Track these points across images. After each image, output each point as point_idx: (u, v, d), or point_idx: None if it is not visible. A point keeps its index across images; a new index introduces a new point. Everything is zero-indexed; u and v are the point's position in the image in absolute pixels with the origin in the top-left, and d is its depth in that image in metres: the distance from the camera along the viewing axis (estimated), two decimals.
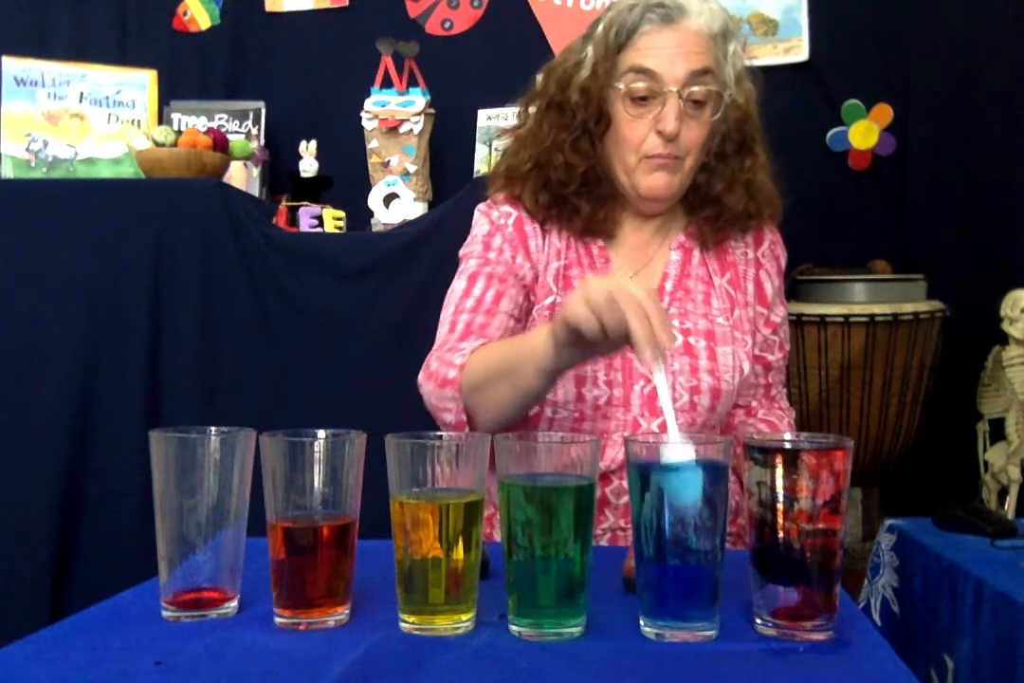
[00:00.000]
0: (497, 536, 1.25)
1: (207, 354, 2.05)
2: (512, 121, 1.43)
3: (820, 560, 0.81)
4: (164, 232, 2.05)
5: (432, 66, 2.30)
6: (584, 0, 2.43)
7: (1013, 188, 2.33)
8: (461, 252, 1.36)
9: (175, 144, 2.12)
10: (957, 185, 2.37)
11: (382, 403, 1.90)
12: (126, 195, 2.09)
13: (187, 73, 2.56)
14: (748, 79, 1.30)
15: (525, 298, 1.30)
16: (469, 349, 1.19)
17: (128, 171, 2.30)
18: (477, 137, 2.36)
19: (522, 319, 1.30)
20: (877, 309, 2.05)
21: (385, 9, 2.51)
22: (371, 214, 2.15)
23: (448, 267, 1.39)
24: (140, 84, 2.39)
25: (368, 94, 2.22)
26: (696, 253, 1.34)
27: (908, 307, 2.07)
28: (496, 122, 2.32)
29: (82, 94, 2.36)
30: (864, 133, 2.39)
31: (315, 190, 2.25)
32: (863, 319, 2.04)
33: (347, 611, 0.86)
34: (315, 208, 2.13)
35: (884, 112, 2.38)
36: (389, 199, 2.15)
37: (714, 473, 0.80)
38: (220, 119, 2.43)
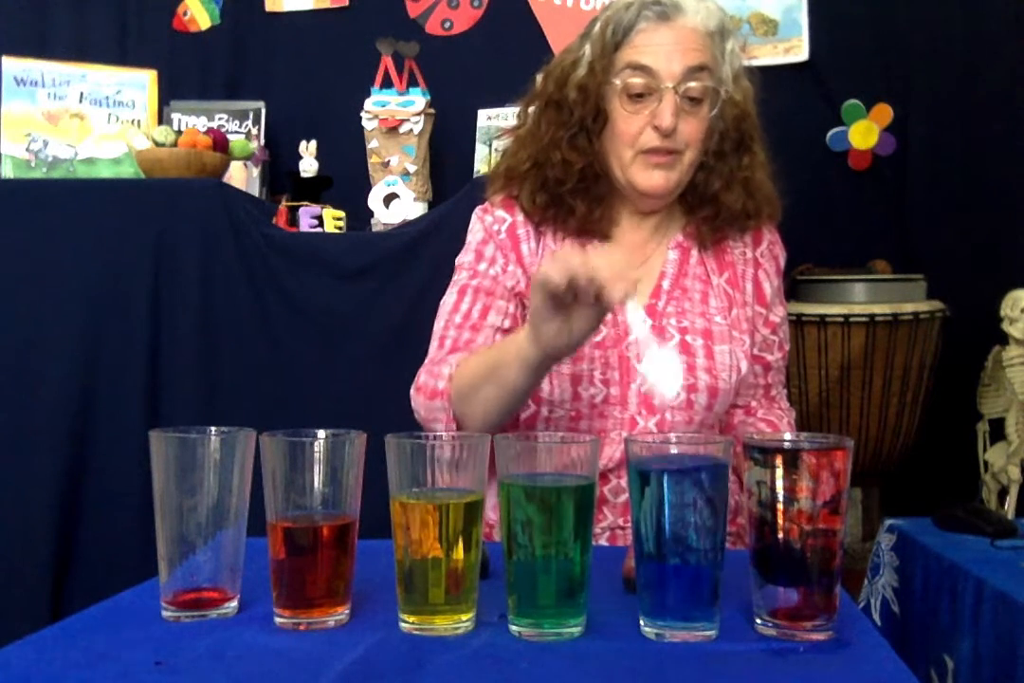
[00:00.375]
0: (497, 536, 1.26)
1: (207, 354, 2.05)
2: (512, 121, 1.43)
3: (820, 560, 0.81)
4: (164, 232, 2.05)
5: (432, 66, 2.30)
6: (584, 0, 2.43)
7: (1013, 188, 2.33)
8: (457, 260, 1.37)
9: (175, 144, 2.12)
10: (957, 185, 2.37)
11: (382, 403, 1.89)
12: (126, 195, 2.09)
13: (187, 73, 2.56)
14: (746, 78, 1.30)
15: (518, 306, 1.31)
16: (456, 361, 1.22)
17: (128, 171, 2.30)
18: (477, 137, 2.36)
19: (515, 327, 1.31)
20: (877, 309, 2.05)
21: (385, 9, 2.51)
22: (371, 214, 2.15)
23: (448, 267, 1.39)
24: (140, 84, 2.39)
25: (368, 94, 2.22)
26: (694, 253, 1.34)
27: (908, 307, 2.07)
28: (496, 122, 2.32)
29: (82, 94, 2.36)
30: (864, 133, 2.39)
31: (315, 190, 2.25)
32: (863, 319, 2.04)
33: (347, 611, 0.86)
34: (315, 208, 2.13)
35: (884, 112, 2.38)
36: (389, 199, 2.15)
37: (714, 473, 0.80)
38: (220, 119, 2.43)
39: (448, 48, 2.49)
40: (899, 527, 1.39)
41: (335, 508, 0.84)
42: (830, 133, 2.41)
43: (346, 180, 2.28)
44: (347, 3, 2.54)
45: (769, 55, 2.40)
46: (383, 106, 2.21)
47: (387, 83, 2.23)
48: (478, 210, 1.38)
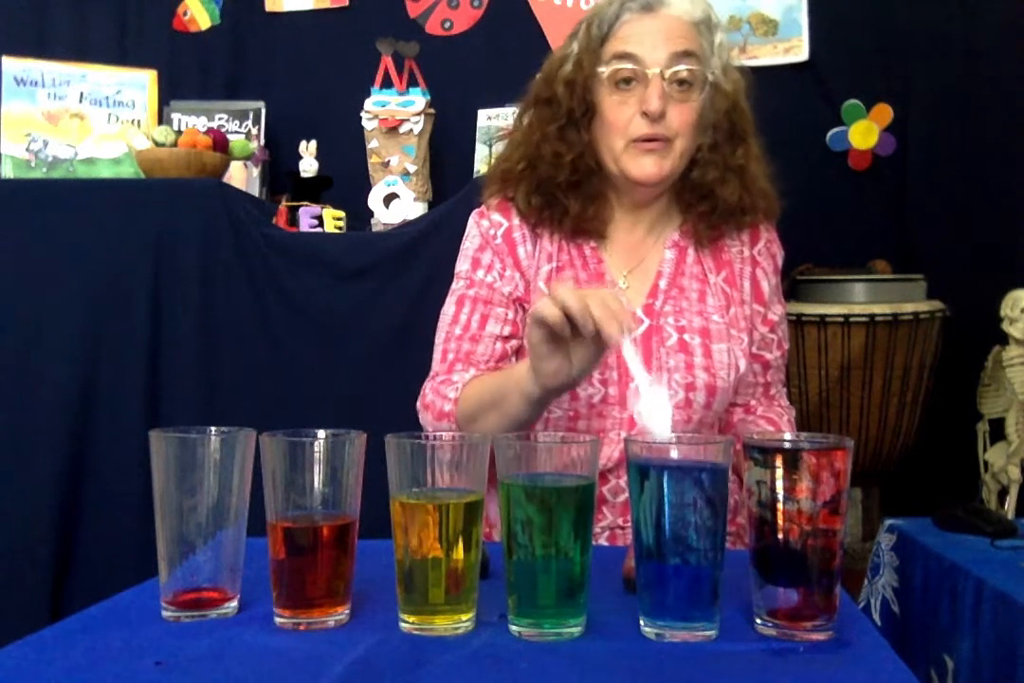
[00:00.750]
0: (497, 536, 1.26)
1: (207, 354, 2.05)
2: (512, 121, 1.44)
3: (820, 560, 0.81)
4: (164, 232, 2.05)
5: (432, 66, 2.30)
6: (584, 0, 2.43)
7: (1013, 188, 2.33)
8: (456, 267, 1.38)
9: (175, 144, 2.12)
10: (957, 185, 2.37)
11: (382, 403, 1.89)
12: (126, 195, 2.09)
13: (187, 73, 2.57)
14: (736, 71, 1.31)
15: (518, 312, 1.32)
16: (462, 383, 1.24)
17: (128, 171, 2.30)
18: (477, 137, 2.36)
19: (515, 333, 1.32)
20: (877, 309, 2.05)
21: (385, 9, 2.52)
22: (371, 214, 2.15)
23: (448, 267, 1.39)
24: (140, 84, 2.39)
25: (368, 94, 2.22)
26: (691, 251, 1.34)
27: (908, 307, 2.07)
28: (496, 122, 2.32)
29: (82, 94, 2.36)
30: (864, 133, 2.39)
31: (315, 190, 2.25)
32: (863, 319, 2.04)
33: (347, 611, 0.86)
34: (315, 208, 2.13)
35: (884, 112, 2.38)
36: (389, 199, 2.15)
37: (714, 473, 0.80)
38: (220, 119, 2.43)
39: (448, 48, 2.49)
40: (899, 527, 1.39)
41: (335, 508, 0.84)
42: (830, 133, 2.41)
43: (346, 180, 2.28)
44: (347, 3, 2.54)
45: (769, 55, 2.41)
46: (383, 106, 2.21)
47: (387, 83, 2.23)
48: (474, 214, 1.38)
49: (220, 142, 2.16)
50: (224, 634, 0.82)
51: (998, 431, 1.96)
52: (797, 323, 2.05)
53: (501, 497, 0.83)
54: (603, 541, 1.26)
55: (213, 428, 0.87)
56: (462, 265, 1.36)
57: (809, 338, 2.08)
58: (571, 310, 0.96)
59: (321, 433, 0.86)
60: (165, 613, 0.86)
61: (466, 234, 1.38)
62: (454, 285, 1.36)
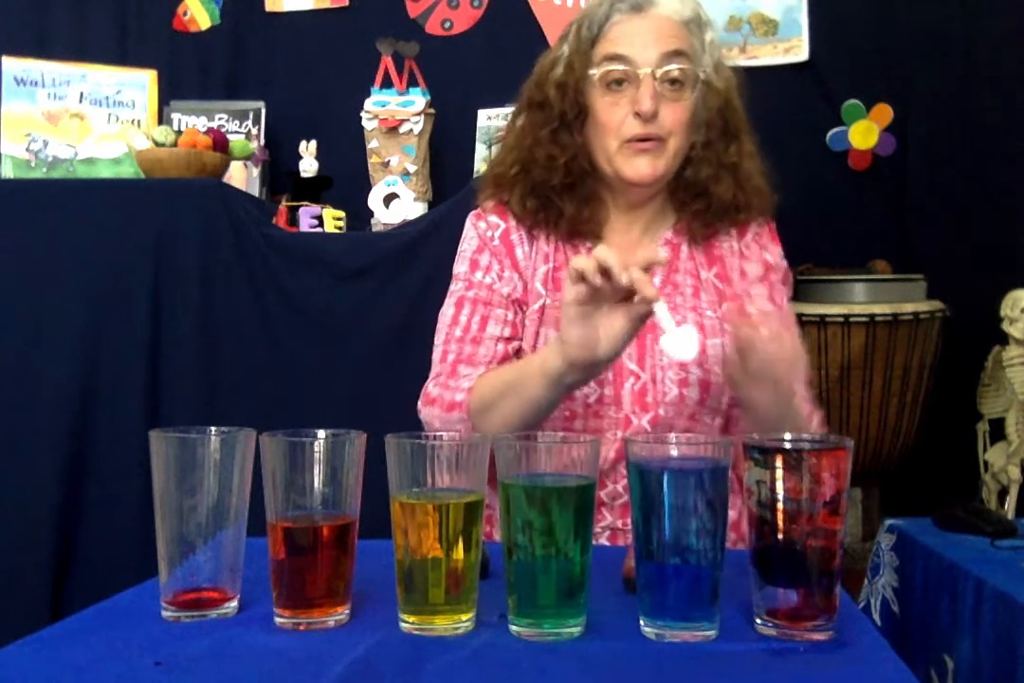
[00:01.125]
0: (497, 536, 1.26)
1: (207, 354, 2.05)
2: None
3: (820, 560, 0.81)
4: (164, 232, 2.05)
5: (432, 66, 2.30)
6: (584, 0, 2.43)
7: (1013, 188, 2.33)
8: (454, 269, 1.37)
9: (175, 144, 2.12)
10: (957, 185, 2.37)
11: (382, 403, 1.89)
12: (126, 195, 2.09)
13: (187, 73, 2.57)
14: (728, 69, 1.31)
15: (517, 312, 1.32)
16: (476, 375, 1.23)
17: (128, 171, 2.30)
18: (477, 137, 2.36)
19: (515, 334, 1.31)
20: (877, 309, 2.05)
21: (385, 9, 2.52)
22: (371, 214, 2.15)
23: (448, 267, 1.39)
24: (140, 84, 2.39)
25: (368, 94, 2.22)
26: (684, 248, 1.34)
27: (908, 307, 2.07)
28: (496, 122, 2.32)
29: (82, 94, 2.36)
30: (864, 133, 2.39)
31: (315, 190, 2.25)
32: (863, 319, 2.04)
33: (347, 611, 0.86)
34: (315, 208, 2.13)
35: (884, 112, 2.38)
36: (389, 199, 2.15)
37: (714, 473, 0.80)
38: (220, 119, 2.43)
39: (448, 48, 2.49)
40: (899, 527, 1.39)
41: (335, 508, 0.84)
42: (830, 133, 2.41)
43: (346, 180, 2.28)
44: (347, 3, 2.54)
45: (769, 55, 2.41)
46: (383, 106, 2.21)
47: (387, 83, 2.23)
48: (471, 216, 1.38)
49: (220, 142, 2.16)
50: (224, 634, 0.82)
51: (998, 431, 1.96)
52: (797, 323, 2.05)
53: (501, 497, 0.83)
54: (603, 541, 1.26)
55: (213, 428, 0.87)
56: (460, 267, 1.36)
57: (809, 338, 2.08)
58: (609, 263, 0.98)
59: (321, 433, 0.86)
60: (165, 613, 0.86)
61: (463, 236, 1.38)
62: (452, 287, 1.36)
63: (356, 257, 2.05)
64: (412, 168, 2.22)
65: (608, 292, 1.01)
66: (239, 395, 2.04)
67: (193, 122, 2.41)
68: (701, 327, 1.29)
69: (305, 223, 2.11)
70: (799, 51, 2.41)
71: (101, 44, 2.56)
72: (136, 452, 1.85)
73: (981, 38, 2.38)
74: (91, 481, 2.04)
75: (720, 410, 1.32)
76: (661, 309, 1.00)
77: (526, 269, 1.32)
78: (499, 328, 1.30)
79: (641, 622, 0.82)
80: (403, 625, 0.83)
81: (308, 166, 2.26)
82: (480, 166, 2.31)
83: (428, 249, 2.00)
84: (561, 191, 1.30)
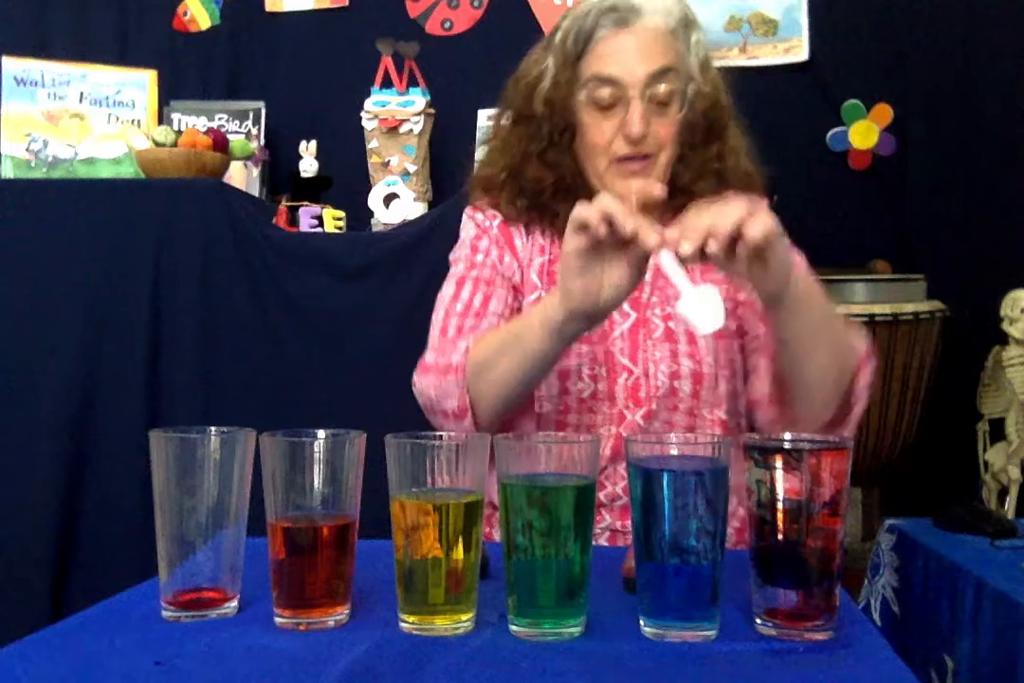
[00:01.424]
0: (497, 536, 1.26)
1: (207, 354, 2.05)
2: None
3: (820, 560, 0.81)
4: (164, 232, 2.05)
5: (432, 66, 2.31)
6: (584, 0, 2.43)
7: (1013, 188, 2.34)
8: (451, 256, 1.37)
9: (175, 144, 2.12)
10: (957, 185, 2.37)
11: (382, 403, 1.89)
12: (126, 195, 2.09)
13: (187, 73, 2.57)
14: (714, 67, 1.30)
15: (515, 297, 1.31)
16: (472, 337, 1.21)
17: (128, 171, 2.30)
18: (477, 137, 2.35)
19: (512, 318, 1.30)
20: (877, 309, 2.05)
21: (385, 9, 2.52)
22: (371, 214, 2.15)
23: (448, 267, 1.39)
24: (140, 84, 2.39)
25: (368, 94, 2.22)
26: None
27: (908, 307, 2.07)
28: None
29: (82, 94, 2.36)
30: (864, 133, 2.39)
31: (315, 190, 2.25)
32: (863, 319, 2.04)
33: (347, 611, 0.86)
34: (315, 208, 2.13)
35: (884, 112, 2.38)
36: (389, 199, 2.15)
37: (714, 473, 0.80)
38: (220, 119, 2.43)
39: (448, 48, 2.49)
40: (899, 527, 1.39)
41: (335, 508, 0.84)
42: (830, 133, 2.41)
43: (346, 180, 2.29)
44: (347, 3, 2.54)
45: (769, 55, 2.40)
46: (383, 106, 2.21)
47: (387, 83, 2.23)
48: (468, 209, 1.39)
49: (220, 142, 2.16)
50: (224, 634, 0.82)
51: (998, 431, 1.96)
52: None
53: (501, 497, 0.83)
54: (603, 542, 1.26)
55: (213, 428, 0.87)
56: (460, 251, 1.35)
57: None
58: (612, 210, 0.96)
59: (321, 433, 0.86)
60: (165, 613, 0.86)
61: (462, 227, 1.38)
62: (452, 270, 1.34)
63: (356, 257, 2.05)
64: (412, 168, 2.22)
65: (610, 241, 0.98)
66: (239, 395, 2.04)
67: (193, 122, 2.41)
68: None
69: (305, 223, 2.11)
70: (799, 51, 2.41)
71: (101, 44, 2.56)
72: (136, 452, 1.85)
73: (981, 38, 2.38)
74: (91, 481, 2.04)
75: (718, 402, 1.31)
76: (667, 260, 0.96)
77: (524, 259, 1.32)
78: (500, 307, 1.28)
79: (641, 622, 0.82)
80: (403, 625, 0.83)
81: (308, 166, 2.26)
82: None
83: (428, 249, 2.00)
84: (552, 195, 1.30)
